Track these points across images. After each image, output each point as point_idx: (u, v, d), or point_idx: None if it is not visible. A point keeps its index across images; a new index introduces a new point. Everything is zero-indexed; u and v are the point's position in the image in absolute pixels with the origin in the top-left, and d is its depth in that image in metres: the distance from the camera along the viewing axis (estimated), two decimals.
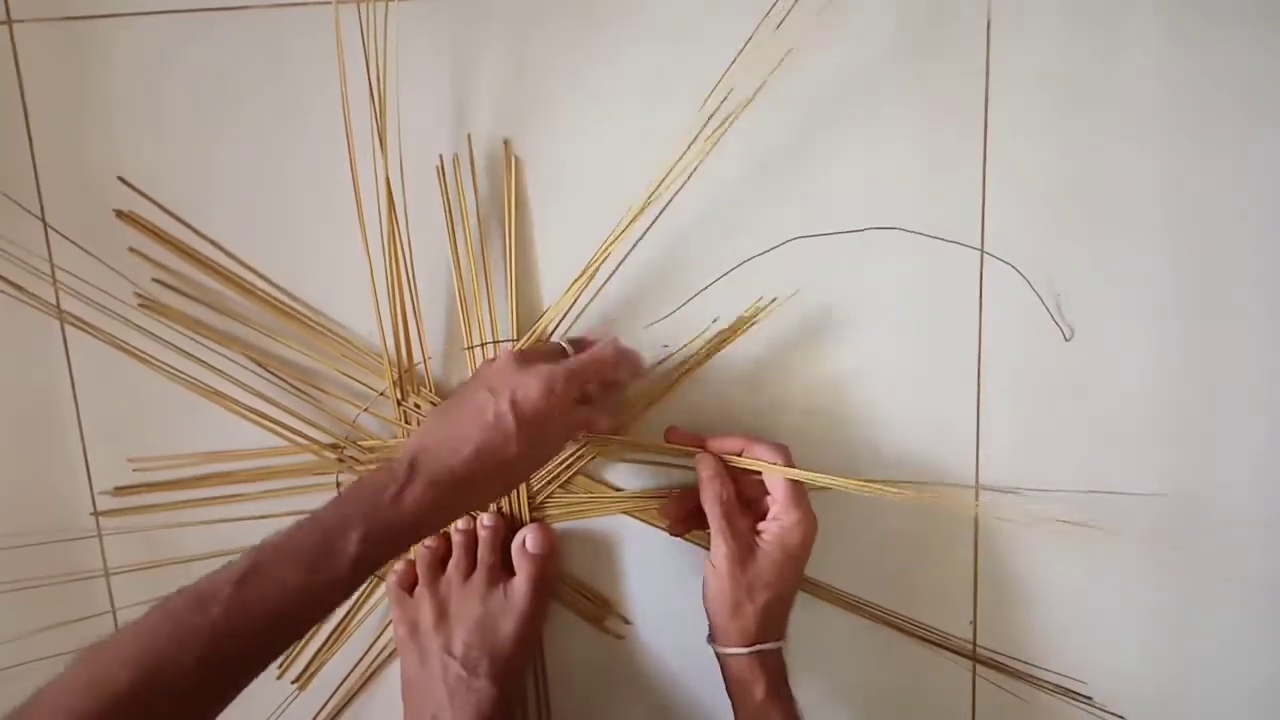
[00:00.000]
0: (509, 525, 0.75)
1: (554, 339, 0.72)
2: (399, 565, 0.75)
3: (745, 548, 0.67)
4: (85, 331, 0.74)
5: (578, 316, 0.73)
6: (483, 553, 0.73)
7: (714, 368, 0.73)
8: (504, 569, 0.73)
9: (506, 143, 0.71)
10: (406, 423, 0.75)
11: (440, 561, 0.74)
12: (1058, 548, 0.73)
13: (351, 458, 0.75)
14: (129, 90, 0.72)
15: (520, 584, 0.72)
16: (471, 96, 0.71)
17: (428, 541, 0.74)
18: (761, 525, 0.68)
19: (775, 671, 0.67)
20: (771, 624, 0.67)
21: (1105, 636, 0.74)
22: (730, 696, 0.68)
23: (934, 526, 0.74)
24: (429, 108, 0.71)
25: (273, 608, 0.53)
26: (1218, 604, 0.73)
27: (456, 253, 0.73)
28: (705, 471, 0.68)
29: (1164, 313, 0.70)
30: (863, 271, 0.71)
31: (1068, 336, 0.70)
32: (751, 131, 0.68)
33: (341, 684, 0.78)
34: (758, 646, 0.66)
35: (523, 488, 0.75)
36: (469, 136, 0.71)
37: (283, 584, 0.53)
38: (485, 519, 0.74)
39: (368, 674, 0.78)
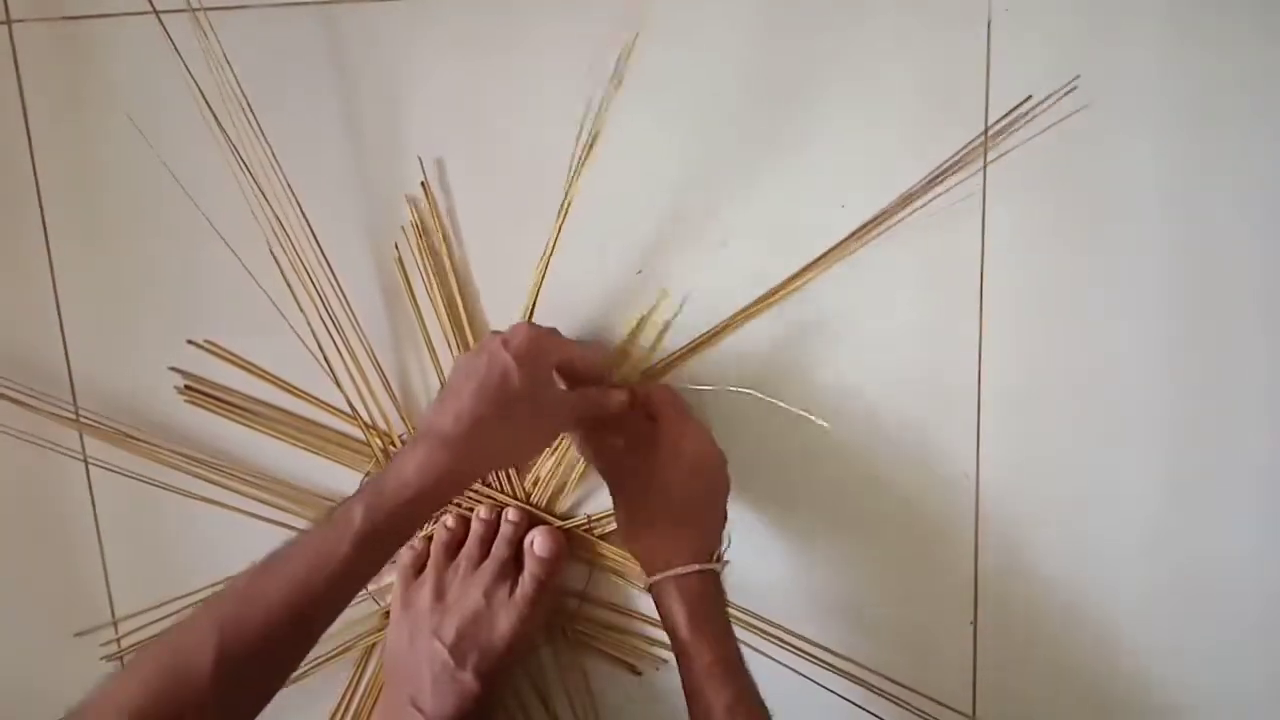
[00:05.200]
0: (530, 525, 0.74)
1: None
2: (416, 543, 0.74)
3: (630, 469, 0.67)
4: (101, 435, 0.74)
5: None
6: (498, 546, 0.72)
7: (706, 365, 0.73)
8: (514, 566, 0.72)
9: (424, 184, 0.72)
10: None
11: (457, 545, 0.73)
12: (1061, 604, 0.74)
13: None
14: (129, 90, 0.72)
15: (524, 584, 0.71)
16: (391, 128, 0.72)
17: (449, 523, 0.73)
18: (656, 448, 0.67)
19: (699, 602, 0.63)
20: (685, 544, 0.65)
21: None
22: (667, 634, 0.65)
23: (929, 578, 0.75)
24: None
25: (281, 597, 0.53)
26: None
27: (417, 309, 0.73)
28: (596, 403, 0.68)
29: (1164, 312, 0.70)
30: (857, 273, 0.71)
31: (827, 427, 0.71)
32: (741, 131, 0.69)
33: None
34: (670, 571, 0.63)
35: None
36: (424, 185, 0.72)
37: (289, 571, 0.53)
38: (510, 513, 0.73)
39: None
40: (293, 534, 0.73)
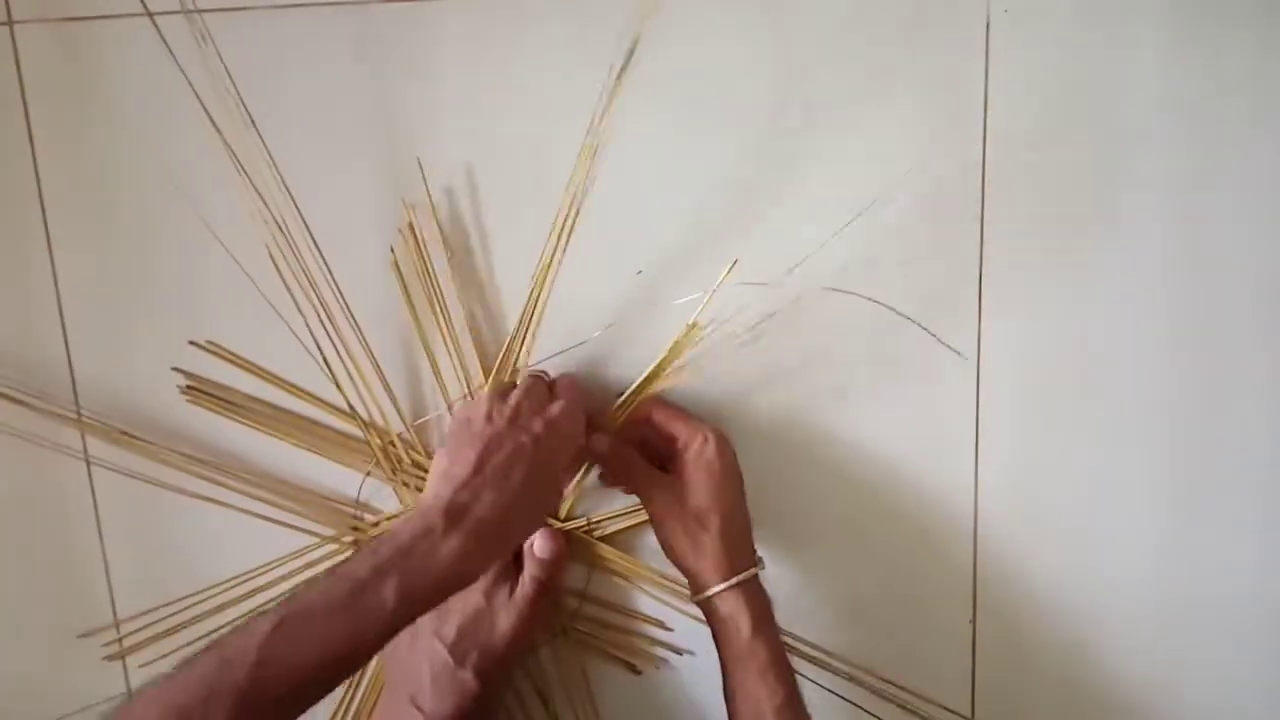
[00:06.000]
0: None
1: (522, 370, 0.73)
2: None
3: (670, 488, 0.68)
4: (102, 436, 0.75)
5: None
6: None
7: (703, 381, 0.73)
8: (513, 567, 0.72)
9: (425, 186, 0.72)
10: (406, 486, 0.75)
11: None
12: (1058, 613, 0.74)
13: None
14: (129, 90, 0.72)
15: (524, 584, 0.71)
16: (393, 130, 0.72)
17: None
18: (681, 463, 0.68)
19: (758, 604, 0.65)
20: (737, 550, 0.66)
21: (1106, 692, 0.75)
22: (716, 642, 0.66)
23: (927, 576, 0.75)
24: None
25: (301, 667, 0.52)
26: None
27: (414, 311, 0.73)
28: (601, 448, 0.69)
29: (1164, 312, 0.70)
30: (857, 275, 0.71)
31: (963, 354, 0.71)
32: (741, 132, 0.69)
33: None
34: (737, 578, 0.65)
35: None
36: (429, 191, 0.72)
37: (311, 644, 0.52)
38: None
39: None
40: (293, 534, 0.75)
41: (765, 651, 0.64)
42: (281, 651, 0.51)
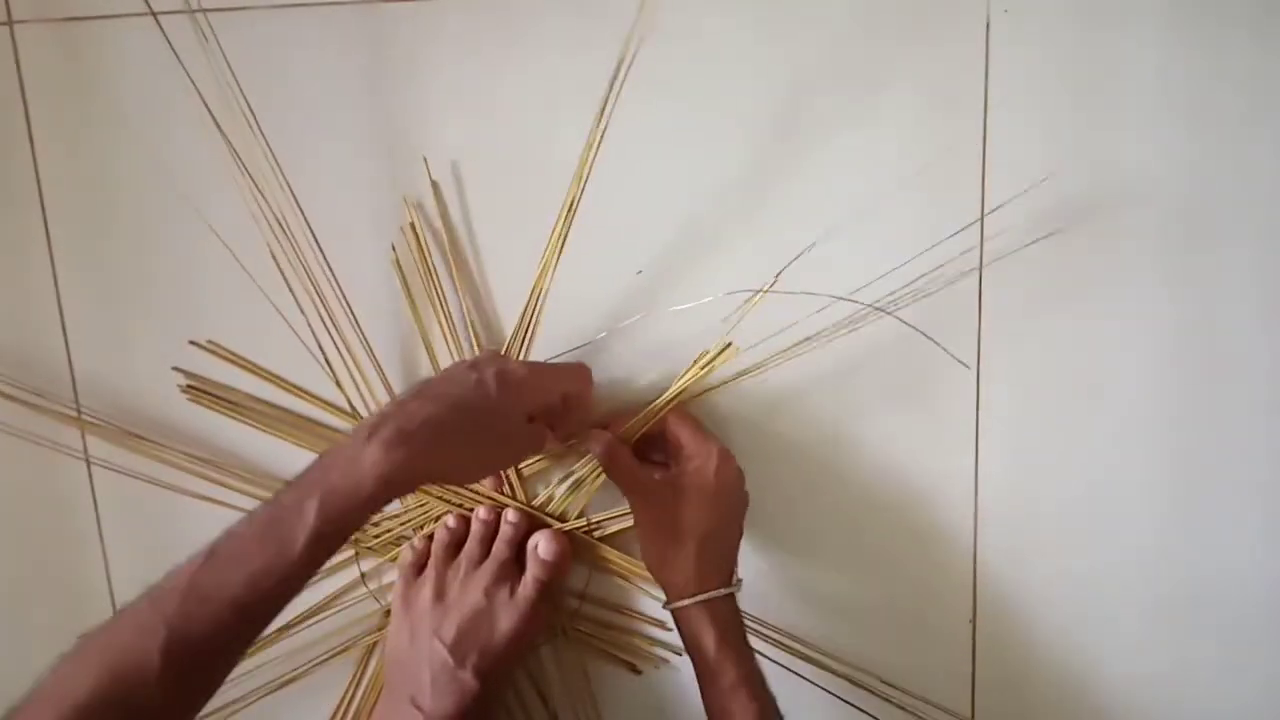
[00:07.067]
0: (530, 527, 0.74)
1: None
2: (417, 543, 0.74)
3: (659, 495, 0.68)
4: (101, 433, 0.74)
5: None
6: (498, 546, 0.73)
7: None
8: (515, 567, 0.72)
9: (435, 185, 0.72)
10: None
11: (457, 545, 0.74)
12: (1058, 625, 0.74)
13: (368, 549, 0.76)
14: (129, 90, 0.72)
15: (526, 585, 0.71)
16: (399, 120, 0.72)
17: (450, 523, 0.74)
18: (679, 473, 0.68)
19: (726, 622, 0.66)
20: (710, 568, 0.67)
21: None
22: (689, 655, 0.67)
23: (927, 576, 0.75)
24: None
25: (230, 594, 0.51)
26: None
27: (415, 309, 0.73)
28: (597, 446, 0.69)
29: (1164, 314, 0.70)
30: (857, 269, 0.70)
31: (968, 365, 0.71)
32: (742, 131, 0.69)
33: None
34: (700, 596, 0.65)
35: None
36: (434, 184, 0.72)
37: (238, 569, 0.51)
38: (509, 514, 0.73)
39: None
40: None
41: (733, 669, 0.64)
42: (208, 582, 0.51)
